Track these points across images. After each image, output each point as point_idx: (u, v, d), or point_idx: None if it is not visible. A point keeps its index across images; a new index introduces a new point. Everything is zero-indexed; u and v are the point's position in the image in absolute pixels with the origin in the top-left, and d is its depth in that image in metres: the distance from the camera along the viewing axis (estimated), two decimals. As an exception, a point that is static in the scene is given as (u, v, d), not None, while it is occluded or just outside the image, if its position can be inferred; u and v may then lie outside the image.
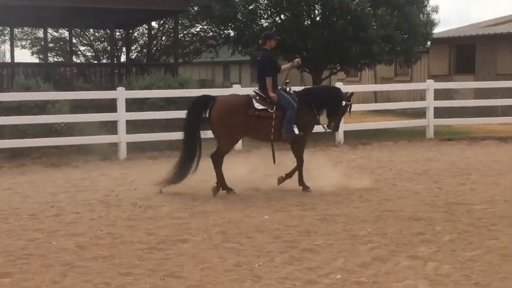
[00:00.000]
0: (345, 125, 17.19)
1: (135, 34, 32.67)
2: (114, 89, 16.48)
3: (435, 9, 22.67)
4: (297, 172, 10.89)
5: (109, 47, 31.34)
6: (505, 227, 8.29)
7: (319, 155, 15.26)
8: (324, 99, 10.94)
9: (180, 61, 26.79)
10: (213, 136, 10.80)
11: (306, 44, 21.09)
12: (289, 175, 10.94)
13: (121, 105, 15.14)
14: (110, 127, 15.91)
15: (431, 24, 22.63)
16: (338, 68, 23.21)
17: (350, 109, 11.15)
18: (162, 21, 29.91)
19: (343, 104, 10.97)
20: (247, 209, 9.64)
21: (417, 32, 21.44)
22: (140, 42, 33.27)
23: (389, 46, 20.73)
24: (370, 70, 27.06)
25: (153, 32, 29.44)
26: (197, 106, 10.63)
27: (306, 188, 10.82)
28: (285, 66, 11.32)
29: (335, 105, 10.93)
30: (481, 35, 30.65)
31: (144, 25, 30.10)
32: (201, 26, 28.12)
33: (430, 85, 18.33)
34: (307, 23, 21.59)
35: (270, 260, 7.10)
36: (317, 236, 8.07)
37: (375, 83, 32.56)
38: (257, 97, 10.66)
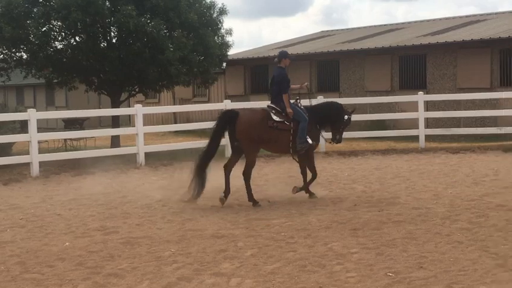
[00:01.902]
0: (145, 147, 17.17)
1: None
2: None
3: (229, 32, 23.39)
4: (309, 180, 11.86)
5: None
6: (302, 239, 8.69)
7: (121, 177, 15.11)
8: (328, 115, 12.01)
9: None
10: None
11: (103, 66, 20.84)
12: (305, 186, 11.86)
13: None
14: None
15: (226, 46, 23.31)
16: (136, 89, 23.15)
17: (350, 122, 12.19)
18: None
19: (346, 118, 12.03)
20: (46, 236, 9.31)
21: (213, 54, 21.98)
22: None
23: (187, 68, 21.06)
24: (169, 91, 27.25)
25: None
26: (223, 120, 11.65)
27: (312, 195, 11.79)
28: (294, 86, 12.24)
29: (338, 119, 11.99)
30: (273, 56, 31.98)
31: None
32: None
33: (228, 105, 18.83)
34: (104, 45, 21.35)
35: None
36: (121, 260, 7.97)
37: (174, 104, 32.83)
38: (273, 111, 11.58)
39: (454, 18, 33.48)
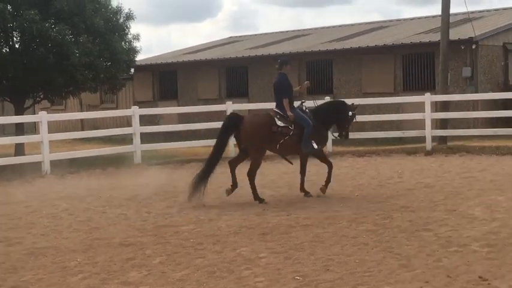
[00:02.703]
0: (50, 155, 16.76)
1: None
2: None
3: (136, 37, 23.18)
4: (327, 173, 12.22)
5: None
6: (211, 245, 8.67)
7: (25, 186, 14.70)
8: (333, 114, 12.30)
9: None
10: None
11: (6, 72, 20.23)
12: (326, 182, 12.23)
13: None
14: None
15: (133, 51, 23.08)
16: (41, 96, 22.58)
17: (355, 117, 12.52)
18: None
19: (350, 115, 12.31)
20: None
21: (120, 60, 21.72)
22: None
23: (93, 73, 20.72)
24: (75, 98, 26.73)
25: None
26: (227, 125, 12.13)
27: (307, 194, 12.21)
28: (296, 89, 12.83)
29: (343, 117, 12.28)
30: (181, 62, 31.90)
31: None
32: None
33: (135, 111, 18.61)
34: (6, 51, 20.73)
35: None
36: (25, 271, 7.74)
37: (81, 111, 32.20)
38: (277, 116, 11.92)
39: (359, 24, 34.25)
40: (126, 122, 26.12)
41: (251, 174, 11.98)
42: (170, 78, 32.15)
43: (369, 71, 25.88)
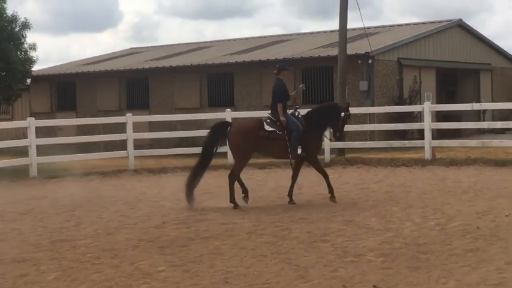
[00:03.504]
0: None
1: None
2: None
3: (33, 47, 22.62)
4: (327, 184, 12.30)
5: None
6: (109, 259, 8.50)
7: None
8: (325, 117, 12.41)
9: None
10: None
11: None
12: (330, 191, 12.26)
13: None
14: None
15: (30, 61, 22.50)
16: None
17: (349, 118, 12.78)
18: None
19: (343, 115, 12.33)
20: None
21: (15, 69, 21.15)
22: None
23: (-14, 83, 20.02)
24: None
25: None
26: (216, 130, 12.42)
27: (291, 201, 12.33)
28: (292, 94, 12.80)
29: (335, 118, 12.34)
30: (80, 73, 31.33)
31: None
32: None
33: (31, 123, 18.09)
34: None
35: None
36: None
37: (-26, 122, 31.01)
38: (268, 120, 12.17)
39: (260, 37, 34.64)
40: (22, 133, 25.35)
41: (232, 177, 12.25)
42: (69, 89, 31.49)
43: (270, 84, 26.15)
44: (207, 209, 12.14)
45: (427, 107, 18.40)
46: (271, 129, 12.21)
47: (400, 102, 25.05)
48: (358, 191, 13.47)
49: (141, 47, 39.18)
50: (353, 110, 21.81)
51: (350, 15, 22.26)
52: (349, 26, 21.75)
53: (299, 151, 12.20)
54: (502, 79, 32.49)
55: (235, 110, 24.58)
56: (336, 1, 20.76)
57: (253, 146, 12.28)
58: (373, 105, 24.12)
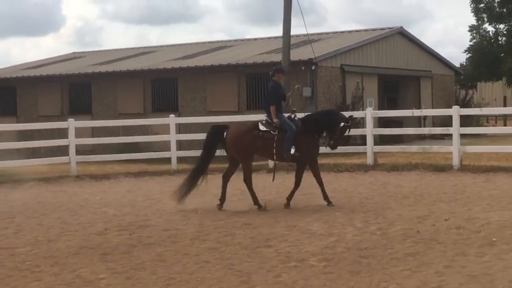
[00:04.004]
0: None
1: None
2: None
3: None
4: (320, 188, 12.39)
5: None
6: (49, 267, 8.36)
7: None
8: (323, 122, 12.42)
9: None
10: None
11: None
12: (324, 197, 12.35)
13: None
14: None
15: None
16: None
17: (349, 130, 12.57)
18: None
19: (342, 125, 12.27)
20: None
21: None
22: None
23: None
24: None
25: None
26: (212, 134, 12.69)
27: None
28: (288, 94, 13.21)
29: (332, 126, 12.28)
30: (21, 77, 30.79)
31: None
32: None
33: None
34: None
35: None
36: None
37: None
38: (264, 121, 12.40)
39: (203, 43, 34.61)
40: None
41: (247, 180, 12.44)
42: (8, 94, 30.92)
43: (214, 89, 26.18)
44: (150, 215, 12.05)
45: (369, 113, 18.64)
46: (265, 129, 12.35)
47: (343, 108, 25.29)
48: (301, 196, 13.52)
49: (84, 52, 38.70)
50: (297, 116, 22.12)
51: (294, 21, 22.56)
52: (293, 32, 21.94)
53: (292, 151, 12.24)
54: (442, 86, 33.19)
55: (179, 116, 24.46)
56: (280, 8, 20.92)
57: (249, 145, 12.31)
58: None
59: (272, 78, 12.78)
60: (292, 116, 12.64)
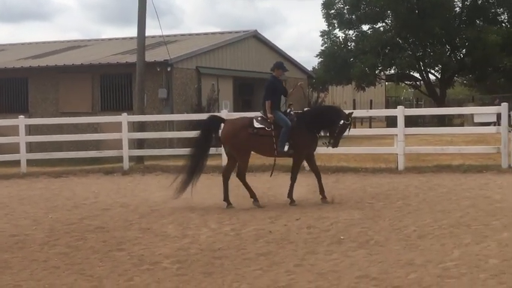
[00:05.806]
0: None
1: None
2: None
3: None
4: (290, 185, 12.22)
5: None
6: None
7: None
8: (322, 119, 12.10)
9: None
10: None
11: None
12: (321, 191, 12.22)
13: None
14: None
15: None
16: None
17: (350, 128, 12.18)
18: None
19: (341, 123, 11.90)
20: None
21: None
22: None
23: None
24: None
25: None
26: (208, 126, 12.38)
27: (292, 202, 12.08)
28: (291, 91, 12.79)
29: (333, 124, 11.92)
30: None
31: None
32: None
33: None
34: None
35: None
36: None
37: None
38: (259, 118, 12.19)
39: (56, 42, 33.62)
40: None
41: (240, 175, 12.31)
42: None
43: (67, 90, 25.48)
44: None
45: (225, 116, 18.77)
46: (259, 126, 12.13)
47: (199, 110, 25.41)
48: (157, 199, 13.44)
49: None
50: (152, 118, 21.99)
51: (151, 22, 22.32)
52: (149, 33, 21.77)
53: (286, 148, 12.06)
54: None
55: (29, 117, 23.57)
56: (135, 8, 20.66)
57: (246, 143, 12.10)
58: (172, 112, 24.26)
59: (272, 73, 12.63)
60: (288, 110, 12.50)
